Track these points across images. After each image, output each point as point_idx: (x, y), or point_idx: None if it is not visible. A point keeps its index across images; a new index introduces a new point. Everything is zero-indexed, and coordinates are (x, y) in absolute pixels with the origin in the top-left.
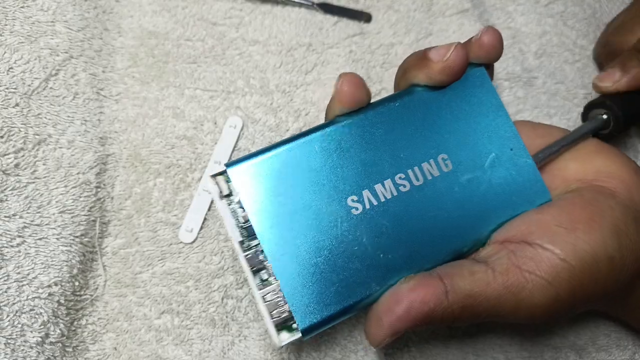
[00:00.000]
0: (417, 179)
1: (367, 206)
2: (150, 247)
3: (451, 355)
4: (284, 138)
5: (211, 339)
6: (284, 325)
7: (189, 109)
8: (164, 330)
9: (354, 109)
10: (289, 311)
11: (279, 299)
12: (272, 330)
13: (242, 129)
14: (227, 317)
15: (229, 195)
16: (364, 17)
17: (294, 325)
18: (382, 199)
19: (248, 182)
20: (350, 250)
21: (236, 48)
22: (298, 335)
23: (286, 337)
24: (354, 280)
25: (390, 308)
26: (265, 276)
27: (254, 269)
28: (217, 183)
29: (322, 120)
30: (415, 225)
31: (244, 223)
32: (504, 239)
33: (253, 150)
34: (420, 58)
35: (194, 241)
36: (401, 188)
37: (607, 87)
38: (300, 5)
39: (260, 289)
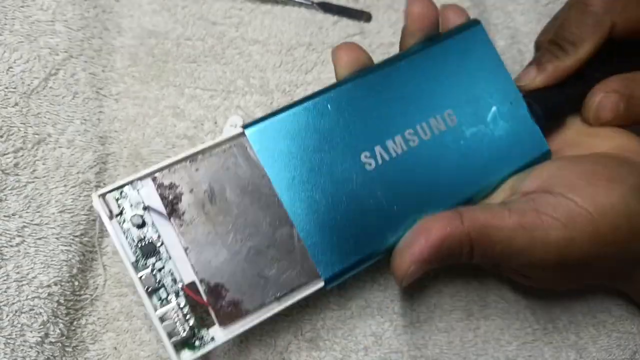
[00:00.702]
0: (425, 134)
1: (380, 161)
2: None
3: (452, 353)
4: (296, 99)
5: None
6: (185, 344)
7: (189, 108)
8: None
9: (425, 36)
10: (191, 327)
11: (178, 317)
12: (171, 351)
13: None
14: None
15: (120, 214)
16: (363, 16)
17: (197, 343)
18: (394, 154)
19: (265, 142)
20: (366, 203)
21: (236, 47)
22: (200, 352)
23: (188, 356)
24: (370, 232)
25: (410, 239)
26: (164, 294)
27: (150, 289)
28: (106, 203)
29: None
30: (425, 177)
31: (138, 242)
32: (526, 191)
33: None
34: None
35: None
36: (411, 143)
37: (524, 86)
38: (300, 4)
39: (158, 309)
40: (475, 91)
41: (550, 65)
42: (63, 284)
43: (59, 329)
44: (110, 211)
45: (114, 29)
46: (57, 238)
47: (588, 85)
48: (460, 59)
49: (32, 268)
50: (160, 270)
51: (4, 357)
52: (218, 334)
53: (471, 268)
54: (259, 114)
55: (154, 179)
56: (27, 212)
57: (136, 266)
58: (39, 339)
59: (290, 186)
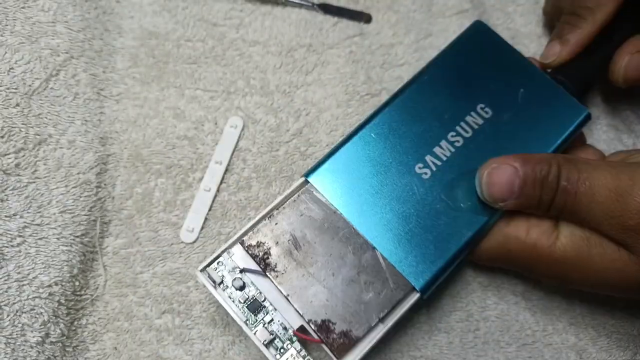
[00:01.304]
0: (467, 132)
1: (434, 168)
2: (151, 247)
3: (451, 354)
4: (342, 138)
5: (212, 338)
6: None
7: (189, 109)
8: (165, 330)
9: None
10: None
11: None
12: None
13: (242, 130)
14: (227, 317)
15: (221, 282)
16: (363, 17)
17: None
18: (444, 158)
19: (328, 183)
20: (434, 209)
21: (236, 49)
22: None
23: None
24: (447, 233)
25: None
26: (279, 344)
27: (266, 342)
28: (209, 276)
29: (322, 120)
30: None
31: (244, 302)
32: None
33: (254, 150)
34: None
35: (195, 241)
36: (456, 144)
37: (551, 62)
38: (300, 6)
39: (279, 357)
40: (499, 80)
41: (572, 36)
42: (64, 284)
43: (60, 329)
44: (213, 281)
45: (114, 30)
46: (58, 238)
47: (613, 48)
48: (474, 56)
49: (33, 268)
50: (270, 322)
51: (5, 357)
52: None
53: (471, 268)
54: (259, 114)
55: (242, 243)
56: (28, 213)
57: (248, 324)
58: (40, 339)
59: (361, 214)
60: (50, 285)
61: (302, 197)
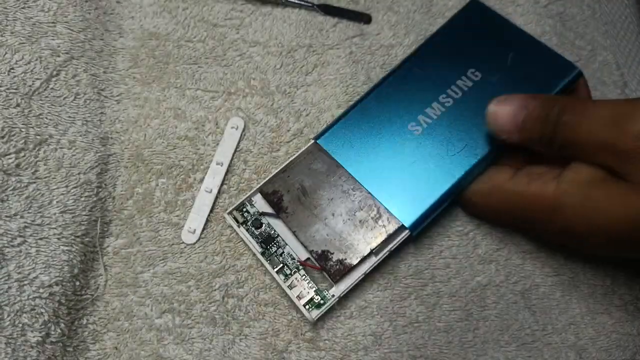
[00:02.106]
0: (457, 93)
1: (425, 125)
2: (152, 247)
3: (451, 353)
4: (347, 107)
5: (212, 338)
6: (312, 303)
7: (190, 109)
8: (165, 330)
9: None
10: (314, 290)
11: (302, 285)
12: (303, 310)
13: (243, 130)
14: (227, 316)
15: (245, 222)
16: (363, 18)
17: (321, 302)
18: (435, 117)
19: (333, 144)
20: (426, 159)
21: (237, 49)
22: (325, 308)
23: (316, 313)
24: (437, 176)
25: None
26: (287, 271)
27: (276, 268)
28: (234, 217)
29: (322, 121)
30: (467, 124)
31: (260, 237)
32: None
33: (255, 151)
34: None
35: (196, 242)
36: (446, 104)
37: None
38: (300, 6)
39: (285, 281)
40: (490, 47)
41: None
42: (64, 284)
43: (60, 329)
44: (237, 221)
45: (115, 31)
46: (58, 238)
47: None
48: (468, 29)
49: (33, 268)
50: (281, 254)
51: (5, 357)
52: (335, 291)
53: (470, 268)
54: (260, 115)
55: (261, 191)
56: (28, 213)
57: (264, 254)
58: (40, 339)
59: (360, 166)
60: (50, 285)
61: (310, 155)
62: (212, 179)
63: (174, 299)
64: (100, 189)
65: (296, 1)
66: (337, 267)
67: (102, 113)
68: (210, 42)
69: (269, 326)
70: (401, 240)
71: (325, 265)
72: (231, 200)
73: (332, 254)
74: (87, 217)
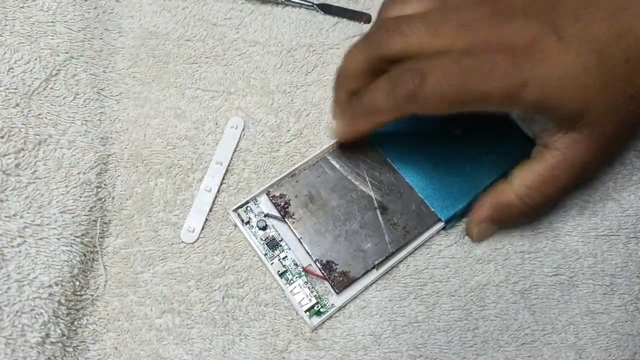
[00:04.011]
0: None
1: (464, 128)
2: (152, 247)
3: (451, 353)
4: None
5: (212, 338)
6: (313, 311)
7: (190, 109)
8: (165, 330)
9: None
10: (315, 297)
11: (304, 292)
12: (305, 316)
13: (243, 130)
14: (227, 316)
15: (248, 222)
16: (363, 17)
17: (322, 310)
18: (472, 121)
19: (388, 142)
20: (461, 159)
21: (236, 49)
22: (326, 316)
23: (317, 321)
24: (472, 178)
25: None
26: (290, 276)
27: (280, 272)
28: (239, 215)
29: (322, 121)
30: (502, 129)
31: (265, 240)
32: None
33: (254, 150)
34: None
35: (195, 241)
36: None
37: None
38: (300, 6)
39: (288, 286)
40: None
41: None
42: (64, 284)
43: (60, 329)
44: (242, 220)
45: (114, 30)
46: (58, 238)
47: None
48: None
49: (33, 268)
50: (284, 258)
51: (5, 358)
52: (336, 301)
53: (469, 267)
54: (260, 115)
55: (268, 193)
56: (28, 213)
57: (267, 257)
58: (40, 339)
59: (403, 159)
60: (50, 286)
61: (320, 163)
62: (212, 179)
63: (174, 299)
64: (99, 189)
65: (296, 0)
66: (341, 278)
67: (101, 113)
68: (210, 41)
69: (269, 326)
70: (434, 232)
71: (329, 276)
72: (231, 199)
73: (337, 265)
74: (86, 217)
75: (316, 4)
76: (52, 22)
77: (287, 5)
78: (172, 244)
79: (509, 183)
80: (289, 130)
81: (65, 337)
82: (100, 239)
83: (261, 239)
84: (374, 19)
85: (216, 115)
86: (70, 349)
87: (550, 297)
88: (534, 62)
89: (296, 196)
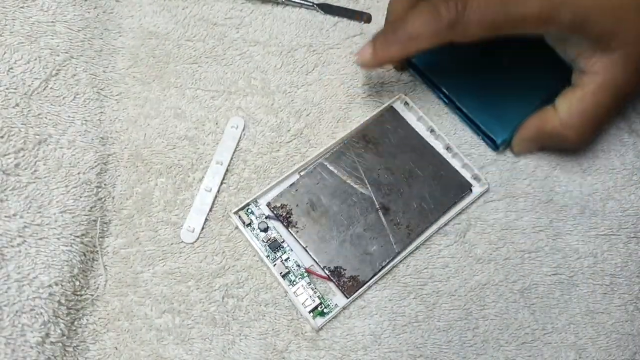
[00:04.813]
0: None
1: (510, 52)
2: (151, 247)
3: (451, 352)
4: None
5: (212, 338)
6: (317, 311)
7: (190, 109)
8: (165, 330)
9: None
10: (319, 297)
11: (307, 293)
12: (309, 317)
13: (243, 130)
14: (227, 316)
15: (250, 224)
16: (364, 17)
17: (325, 310)
18: (519, 44)
19: (432, 65)
20: (510, 85)
21: (237, 48)
22: (330, 316)
23: (320, 321)
24: (520, 103)
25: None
26: (292, 278)
27: (282, 273)
28: (240, 217)
29: (322, 121)
30: (548, 51)
31: (267, 242)
32: None
33: (255, 150)
34: None
35: (195, 241)
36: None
37: (361, 66)
38: (301, 5)
39: (291, 288)
40: None
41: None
42: (64, 284)
43: (60, 329)
44: (243, 222)
45: (114, 30)
46: (58, 238)
47: None
48: None
49: (33, 268)
50: (286, 260)
51: (5, 357)
52: (340, 301)
53: (469, 267)
54: (260, 115)
55: (269, 205)
56: (28, 213)
57: (269, 259)
58: (40, 339)
59: (456, 87)
60: (50, 285)
61: (318, 169)
62: (212, 178)
63: (174, 299)
64: (99, 189)
65: (296, 0)
66: (350, 283)
67: (101, 112)
68: (210, 41)
69: (269, 326)
70: (479, 195)
71: (338, 282)
72: (231, 200)
73: (345, 270)
74: (86, 217)
75: (316, 4)
76: (52, 22)
77: (287, 5)
78: (172, 244)
79: (554, 108)
80: (289, 130)
81: (65, 337)
82: (100, 239)
83: (263, 240)
84: (374, 18)
85: (216, 115)
86: (70, 349)
87: (550, 296)
88: None
89: (297, 205)
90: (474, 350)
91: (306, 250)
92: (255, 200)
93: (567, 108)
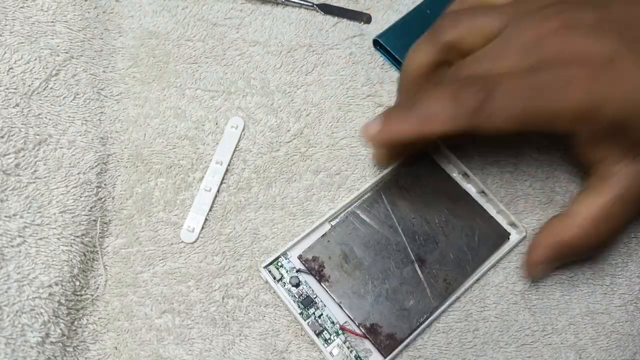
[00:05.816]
0: None
1: None
2: (151, 247)
3: (451, 354)
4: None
5: (212, 338)
6: None
7: (190, 109)
8: (165, 330)
9: None
10: (356, 358)
11: (343, 352)
12: None
13: (243, 130)
14: (227, 316)
15: (281, 279)
16: (363, 17)
17: None
18: None
19: (393, 41)
20: None
21: (237, 49)
22: None
23: None
24: None
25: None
26: (327, 335)
27: (316, 332)
28: (270, 272)
29: (322, 121)
30: None
31: (298, 297)
32: None
33: (255, 150)
34: None
35: (195, 241)
36: None
37: (369, 140)
38: (300, 6)
39: (326, 347)
40: None
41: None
42: (64, 284)
43: (60, 329)
44: (274, 277)
45: (114, 30)
46: (58, 238)
47: None
48: None
49: (33, 268)
50: (320, 316)
51: (5, 357)
52: (377, 359)
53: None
54: (260, 115)
55: (300, 257)
56: (28, 213)
57: (302, 316)
58: (40, 339)
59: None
60: (50, 285)
61: (350, 219)
62: (212, 178)
63: (174, 299)
64: (99, 189)
65: (296, 0)
66: (388, 342)
67: (101, 112)
68: (210, 41)
69: (269, 326)
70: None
71: (375, 340)
72: (231, 199)
73: (381, 327)
74: (86, 217)
75: (316, 4)
76: (52, 22)
77: (287, 5)
78: (172, 243)
79: (569, 218)
80: (289, 130)
81: (65, 337)
82: (100, 239)
83: (295, 296)
84: (374, 18)
85: (216, 115)
86: (70, 349)
87: (551, 297)
88: (614, 79)
89: (330, 257)
90: (473, 352)
91: (340, 306)
92: (285, 253)
93: (588, 214)
